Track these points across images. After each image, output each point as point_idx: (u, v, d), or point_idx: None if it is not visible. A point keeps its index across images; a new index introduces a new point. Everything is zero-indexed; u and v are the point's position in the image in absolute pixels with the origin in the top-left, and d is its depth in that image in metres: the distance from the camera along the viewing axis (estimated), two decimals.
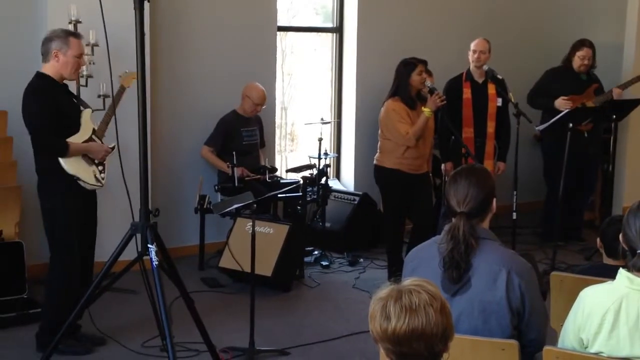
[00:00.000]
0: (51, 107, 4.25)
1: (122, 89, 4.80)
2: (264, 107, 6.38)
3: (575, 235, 6.83)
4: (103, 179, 4.50)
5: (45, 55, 4.33)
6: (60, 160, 4.27)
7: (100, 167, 4.49)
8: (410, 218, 5.92)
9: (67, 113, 4.37)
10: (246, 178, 6.14)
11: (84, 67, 5.10)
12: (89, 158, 4.41)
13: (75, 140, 4.36)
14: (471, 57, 6.29)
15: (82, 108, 4.52)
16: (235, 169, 6.02)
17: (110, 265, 3.85)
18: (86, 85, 5.42)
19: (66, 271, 4.39)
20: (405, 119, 5.52)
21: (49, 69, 4.33)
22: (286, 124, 7.92)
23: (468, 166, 3.02)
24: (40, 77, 4.33)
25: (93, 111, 4.63)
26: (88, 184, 4.38)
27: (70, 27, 5.36)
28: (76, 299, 4.20)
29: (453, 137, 6.05)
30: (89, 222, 4.56)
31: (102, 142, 4.52)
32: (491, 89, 6.27)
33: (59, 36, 4.32)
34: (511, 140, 6.34)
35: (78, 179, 4.32)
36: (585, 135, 6.31)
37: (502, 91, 6.15)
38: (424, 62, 5.58)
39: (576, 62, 6.68)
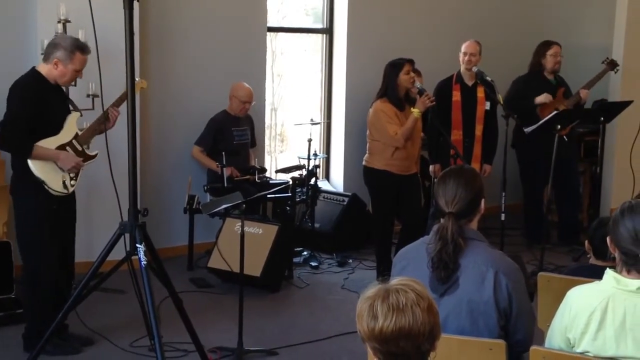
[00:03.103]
0: (32, 106, 4.21)
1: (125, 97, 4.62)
2: (252, 104, 6.37)
3: (574, 240, 6.82)
4: (73, 186, 4.42)
5: (46, 57, 4.31)
6: (28, 161, 4.23)
7: (72, 175, 4.41)
8: (399, 219, 5.93)
9: (50, 113, 4.31)
10: (235, 178, 6.14)
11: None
12: None
13: (51, 143, 4.31)
14: (462, 59, 6.31)
15: (71, 109, 4.50)
16: (224, 169, 6.01)
17: (99, 265, 3.84)
18: (75, 85, 5.39)
19: (39, 272, 4.36)
20: (394, 120, 5.53)
21: (45, 70, 4.31)
22: (276, 125, 7.92)
23: (457, 167, 3.04)
24: (32, 73, 4.32)
25: (81, 115, 4.60)
26: (53, 189, 4.31)
27: (59, 27, 5.35)
28: (60, 298, 4.19)
29: (441, 139, 6.07)
30: (66, 222, 4.51)
31: (82, 149, 4.46)
32: (480, 92, 6.28)
33: (66, 48, 4.27)
34: (500, 141, 6.36)
35: (43, 182, 4.27)
36: (565, 139, 6.35)
37: (491, 93, 6.17)
38: (411, 61, 5.58)
39: (549, 62, 6.72)
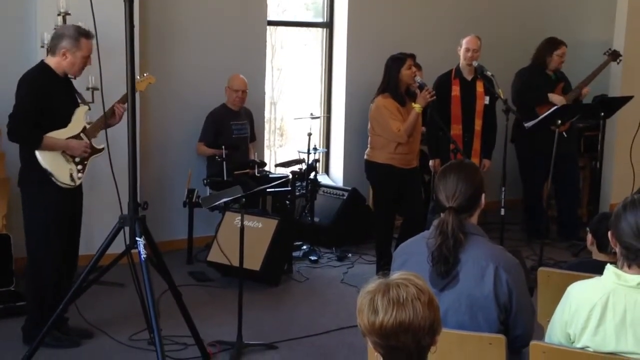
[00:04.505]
0: (40, 99, 4.21)
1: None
2: (246, 92, 6.34)
3: (573, 235, 6.83)
4: (79, 178, 4.42)
5: (53, 50, 4.31)
6: (36, 152, 4.24)
7: (80, 167, 4.41)
8: (400, 213, 5.92)
9: (57, 107, 4.32)
10: (235, 172, 6.14)
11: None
12: (68, 155, 4.36)
13: (59, 135, 4.31)
14: (463, 54, 6.27)
15: (80, 103, 4.49)
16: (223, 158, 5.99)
17: (98, 258, 3.85)
18: (74, 78, 5.38)
19: (43, 264, 4.36)
20: (396, 116, 5.52)
21: (53, 62, 4.31)
22: (275, 119, 7.91)
23: (457, 161, 3.03)
24: (40, 67, 4.33)
25: (90, 108, 4.60)
26: (60, 181, 4.32)
27: (59, 20, 5.34)
28: (61, 291, 4.19)
29: (441, 134, 6.06)
30: (72, 215, 4.52)
31: (90, 142, 4.47)
32: (479, 86, 6.27)
33: (71, 36, 4.28)
34: (500, 136, 6.35)
35: (51, 174, 4.28)
36: (565, 135, 6.34)
37: (491, 88, 6.16)
38: (412, 56, 5.58)
39: (555, 61, 6.73)
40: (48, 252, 4.35)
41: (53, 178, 4.29)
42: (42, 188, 4.30)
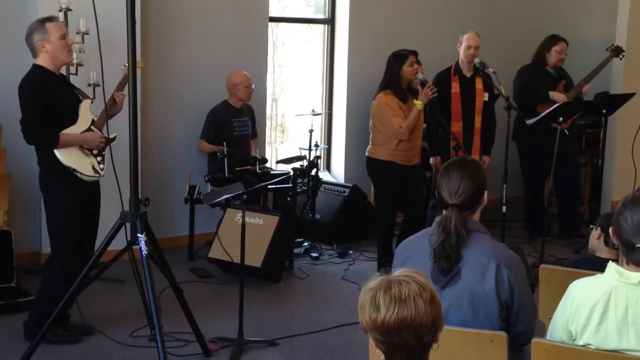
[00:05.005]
0: (42, 98, 4.21)
1: (127, 79, 4.56)
2: (253, 86, 6.36)
3: (574, 233, 6.84)
4: (102, 169, 4.42)
5: (33, 51, 4.30)
6: (56, 151, 4.23)
7: (99, 158, 4.42)
8: (402, 210, 5.92)
9: (62, 104, 4.32)
10: (236, 169, 6.13)
11: (74, 54, 5.07)
12: (86, 149, 4.36)
13: (72, 131, 4.31)
14: (464, 51, 6.24)
15: (81, 98, 4.49)
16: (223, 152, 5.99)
17: (99, 254, 3.85)
18: (76, 74, 5.39)
19: (63, 264, 4.35)
20: (398, 113, 5.51)
21: (42, 61, 4.29)
22: (277, 115, 7.91)
23: (460, 158, 3.03)
24: (34, 68, 4.31)
25: (92, 101, 4.60)
26: (85, 175, 4.32)
27: (61, 15, 5.33)
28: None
29: (441, 130, 6.05)
30: (92, 212, 4.52)
31: (101, 132, 4.48)
32: (479, 83, 6.26)
33: (36, 27, 4.28)
34: (501, 133, 6.34)
35: (75, 170, 4.27)
36: (566, 132, 6.32)
37: (491, 85, 6.15)
38: (415, 53, 5.57)
39: (553, 57, 6.70)
40: (70, 254, 4.35)
41: (78, 174, 4.28)
42: (63, 189, 4.30)
